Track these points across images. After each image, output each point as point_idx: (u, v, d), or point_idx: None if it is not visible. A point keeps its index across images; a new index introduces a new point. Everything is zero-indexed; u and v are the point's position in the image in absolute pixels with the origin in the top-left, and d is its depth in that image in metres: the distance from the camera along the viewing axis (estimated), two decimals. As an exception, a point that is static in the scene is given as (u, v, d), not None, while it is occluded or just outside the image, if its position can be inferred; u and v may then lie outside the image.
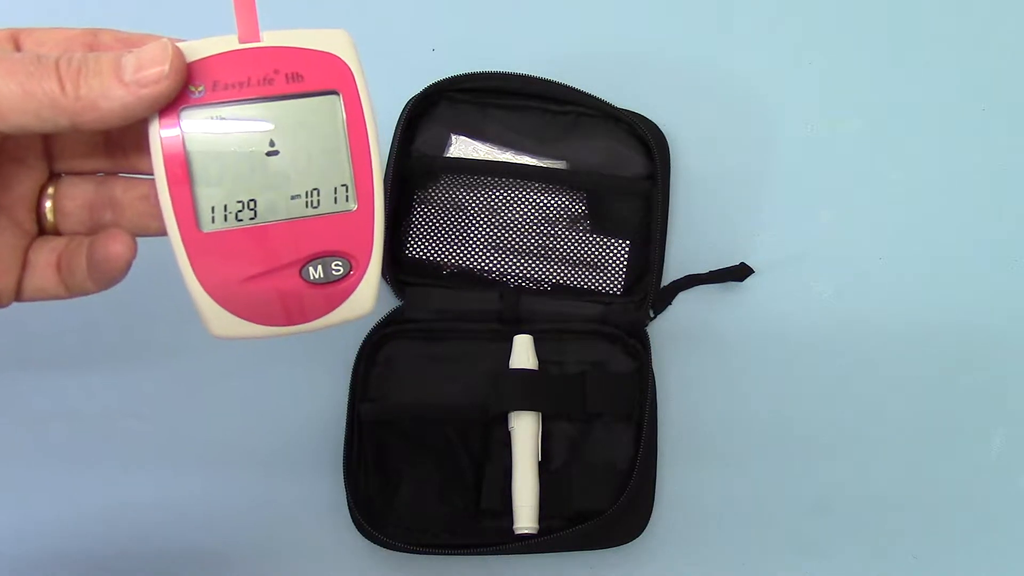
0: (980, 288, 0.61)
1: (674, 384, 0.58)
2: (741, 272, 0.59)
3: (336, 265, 0.35)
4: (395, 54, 0.64)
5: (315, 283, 0.35)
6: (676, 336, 0.59)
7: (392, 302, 0.58)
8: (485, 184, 0.59)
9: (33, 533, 0.55)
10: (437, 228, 0.59)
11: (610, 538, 0.54)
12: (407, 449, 0.55)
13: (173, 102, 0.32)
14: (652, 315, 0.59)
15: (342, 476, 0.53)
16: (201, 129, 0.32)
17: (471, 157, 0.59)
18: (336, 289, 0.35)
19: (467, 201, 0.59)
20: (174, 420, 0.57)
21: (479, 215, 0.59)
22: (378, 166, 0.35)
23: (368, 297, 0.35)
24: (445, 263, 0.59)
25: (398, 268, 0.58)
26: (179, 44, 0.31)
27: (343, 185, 0.34)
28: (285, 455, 0.56)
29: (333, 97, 0.34)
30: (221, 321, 0.34)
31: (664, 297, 0.59)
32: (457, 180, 0.59)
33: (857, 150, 0.63)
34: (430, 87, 0.58)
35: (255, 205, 0.34)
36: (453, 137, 0.60)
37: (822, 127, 0.64)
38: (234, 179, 0.33)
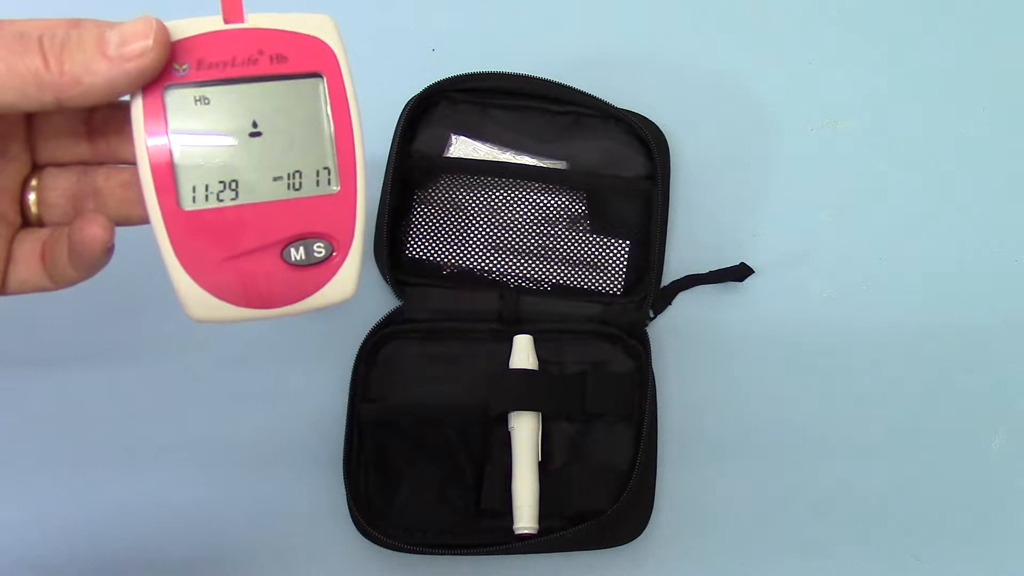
0: (980, 288, 0.61)
1: (674, 384, 0.58)
2: (741, 272, 0.59)
3: (318, 247, 0.34)
4: (395, 54, 0.64)
5: (296, 265, 0.34)
6: (676, 336, 0.59)
7: (392, 302, 0.58)
8: (485, 184, 0.59)
9: (33, 535, 0.54)
10: (437, 228, 0.59)
11: (610, 538, 0.54)
12: (407, 449, 0.55)
13: (156, 79, 0.31)
14: (652, 315, 0.59)
15: (342, 476, 0.53)
16: (184, 107, 0.32)
17: (471, 157, 0.59)
18: (318, 272, 0.35)
19: (467, 201, 0.59)
20: (173, 420, 0.57)
21: (479, 215, 0.59)
22: (361, 149, 0.34)
23: (350, 281, 0.35)
24: (445, 263, 0.59)
25: (398, 268, 0.58)
26: (164, 23, 0.31)
27: (325, 168, 0.34)
28: (285, 455, 0.56)
29: (317, 80, 0.34)
30: (201, 303, 0.33)
31: (664, 297, 0.59)
32: (457, 180, 0.59)
33: (857, 150, 0.63)
34: (430, 87, 0.58)
35: (236, 185, 0.33)
36: (453, 137, 0.60)
37: (822, 127, 0.64)
38: (216, 159, 0.33)
